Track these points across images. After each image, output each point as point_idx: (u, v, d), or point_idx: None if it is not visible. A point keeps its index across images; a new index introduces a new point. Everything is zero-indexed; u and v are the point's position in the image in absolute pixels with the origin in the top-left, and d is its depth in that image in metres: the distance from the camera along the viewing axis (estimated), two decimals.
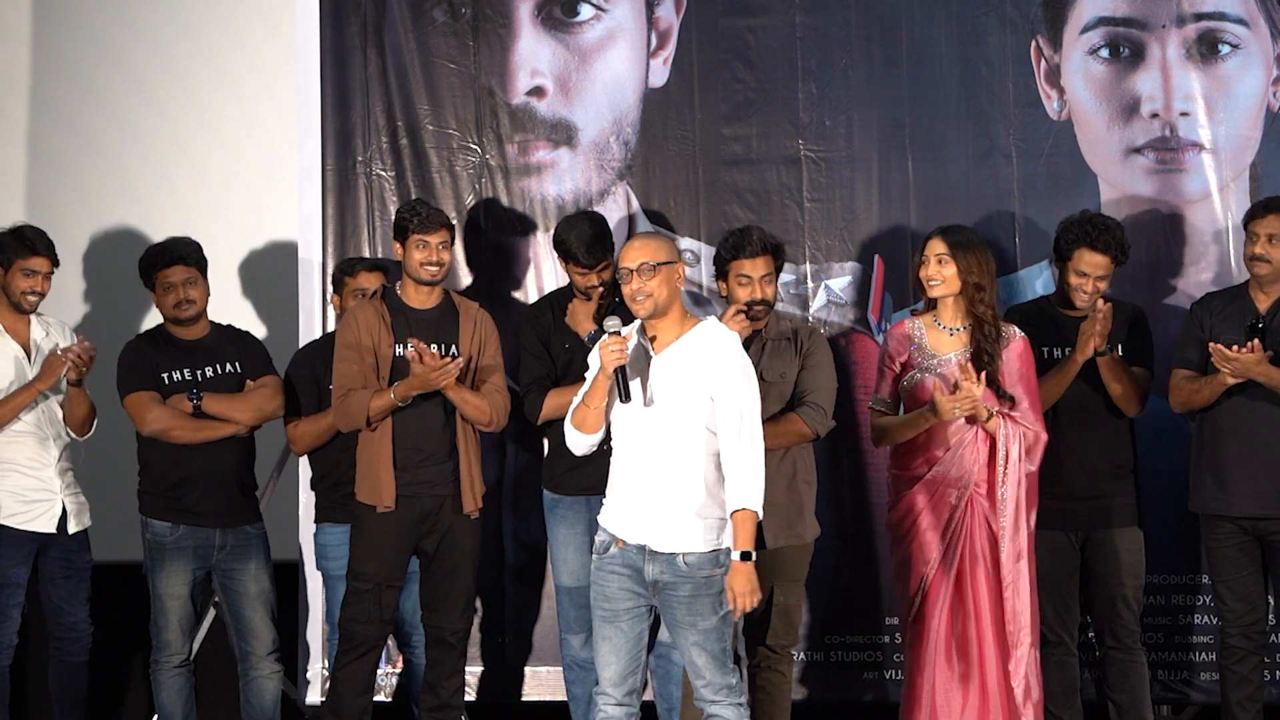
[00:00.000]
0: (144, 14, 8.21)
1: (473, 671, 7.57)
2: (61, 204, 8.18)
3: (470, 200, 7.72)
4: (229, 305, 7.67)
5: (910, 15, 7.53)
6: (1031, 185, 7.47)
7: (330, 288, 7.46)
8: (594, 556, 6.06)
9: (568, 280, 7.10)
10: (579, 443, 6.09)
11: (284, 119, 7.89)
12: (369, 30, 7.74)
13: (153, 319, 7.44)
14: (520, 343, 7.05)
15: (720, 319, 6.29)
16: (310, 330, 7.65)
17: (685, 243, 7.62)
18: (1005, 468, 6.51)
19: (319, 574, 7.39)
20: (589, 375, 6.08)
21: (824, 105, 7.56)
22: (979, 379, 6.44)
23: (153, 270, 7.01)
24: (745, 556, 5.87)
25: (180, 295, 6.98)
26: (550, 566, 7.21)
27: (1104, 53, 7.47)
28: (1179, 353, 6.83)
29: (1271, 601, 6.93)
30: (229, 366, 7.01)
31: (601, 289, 6.95)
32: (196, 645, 7.30)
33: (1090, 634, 7.02)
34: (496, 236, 7.72)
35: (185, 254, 6.99)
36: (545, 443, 7.10)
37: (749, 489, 5.90)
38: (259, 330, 7.82)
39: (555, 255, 7.17)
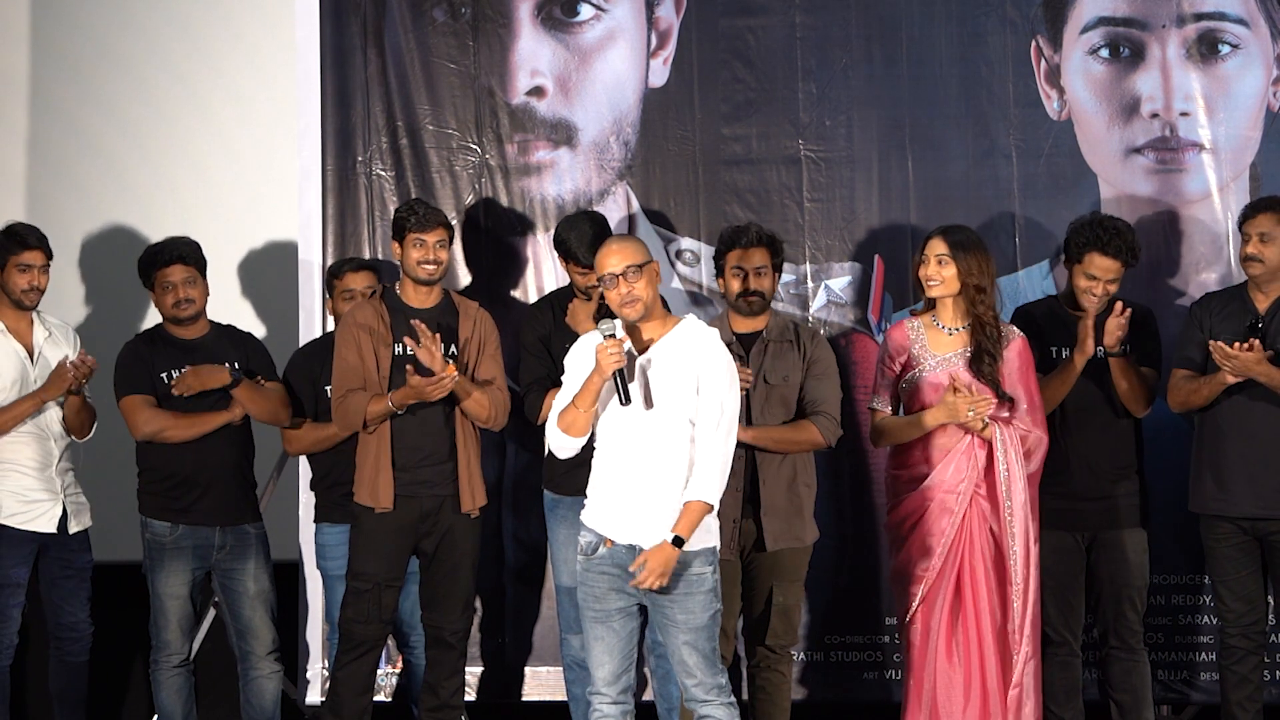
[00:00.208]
0: (144, 14, 8.20)
1: (473, 671, 7.57)
2: (61, 204, 8.17)
3: (470, 200, 7.72)
4: (229, 305, 7.68)
5: (910, 15, 7.53)
6: (1031, 185, 7.47)
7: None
8: (580, 558, 6.06)
9: (568, 280, 7.10)
10: (565, 446, 6.09)
11: (284, 119, 7.89)
12: (369, 30, 7.74)
13: (152, 319, 7.43)
14: (520, 343, 7.05)
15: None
16: (310, 330, 7.65)
17: (685, 243, 7.62)
18: (1007, 480, 6.50)
19: (319, 574, 7.38)
20: (568, 378, 6.08)
21: (824, 105, 7.56)
22: (979, 386, 6.45)
23: (151, 270, 7.01)
24: (678, 541, 5.87)
25: (179, 295, 6.98)
26: (550, 566, 7.21)
27: (1104, 53, 7.47)
28: (1178, 352, 6.83)
29: (1271, 601, 6.93)
30: (228, 366, 7.01)
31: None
32: (196, 645, 7.30)
33: (1094, 634, 7.02)
34: (496, 236, 7.72)
35: (184, 253, 6.99)
36: (545, 443, 7.10)
37: (712, 482, 5.92)
38: (259, 330, 7.82)
39: (555, 255, 7.18)
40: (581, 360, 6.07)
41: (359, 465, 6.74)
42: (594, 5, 7.69)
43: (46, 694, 7.17)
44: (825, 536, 7.00)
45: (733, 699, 6.03)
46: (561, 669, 7.16)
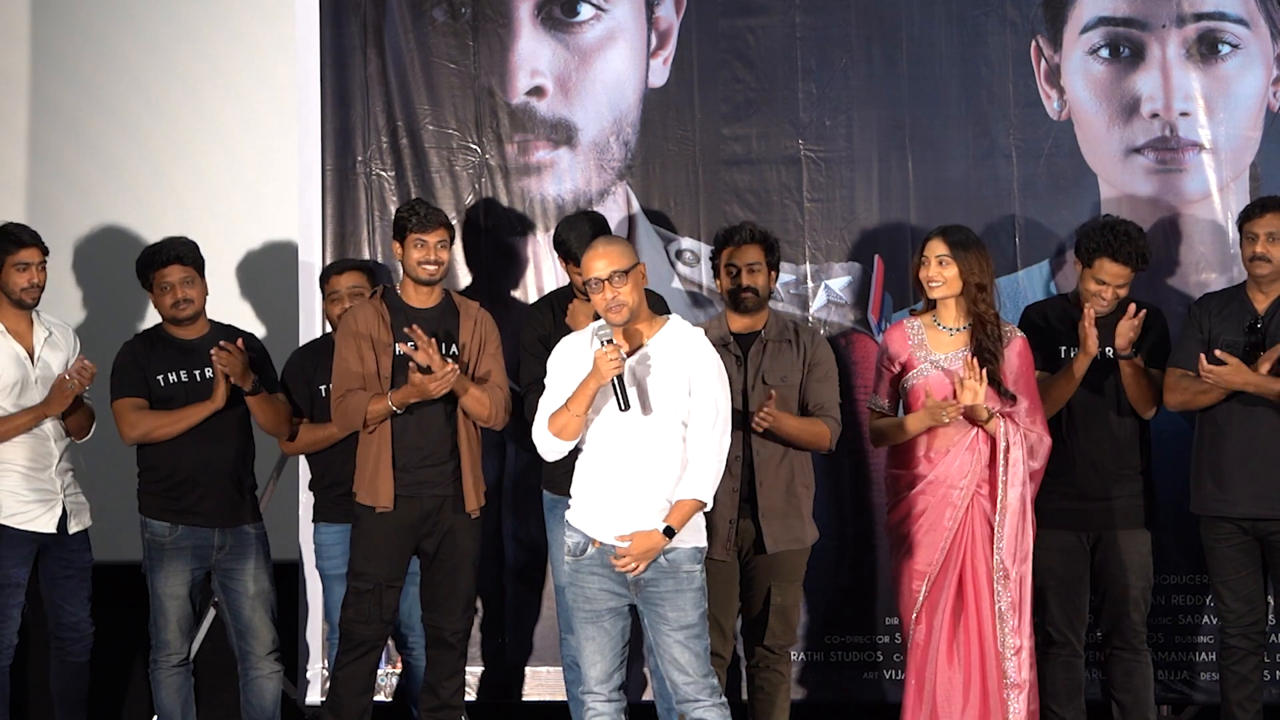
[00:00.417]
0: (143, 13, 8.20)
1: (473, 672, 7.57)
2: (61, 204, 8.17)
3: (470, 200, 7.72)
4: (229, 305, 7.67)
5: (910, 15, 7.53)
6: (1031, 185, 7.47)
7: None
8: (569, 558, 6.06)
9: (568, 280, 7.10)
10: (554, 449, 6.10)
11: (284, 119, 7.89)
12: (369, 30, 7.74)
13: (152, 319, 7.43)
14: (520, 343, 7.05)
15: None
16: (310, 330, 7.65)
17: (685, 243, 7.62)
18: (1006, 469, 6.51)
19: (318, 574, 7.38)
20: (553, 381, 6.07)
21: (824, 105, 7.56)
22: (981, 375, 6.45)
23: (149, 270, 7.01)
24: (669, 532, 5.90)
25: (177, 295, 6.98)
26: (550, 566, 7.21)
27: (1104, 53, 7.47)
28: (1176, 352, 6.81)
29: (1271, 602, 6.93)
30: (255, 376, 7.00)
31: None
32: (196, 645, 7.30)
33: (1097, 634, 7.02)
34: (496, 236, 7.72)
35: (182, 253, 6.98)
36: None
37: (706, 480, 5.95)
38: (259, 330, 7.81)
39: (555, 255, 7.17)
40: (566, 363, 6.07)
41: (359, 465, 6.74)
42: (594, 5, 7.69)
43: (47, 694, 7.17)
44: (825, 536, 7.00)
45: (724, 699, 6.04)
46: (561, 669, 7.16)
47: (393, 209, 7.60)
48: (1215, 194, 7.40)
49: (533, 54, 7.70)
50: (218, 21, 8.13)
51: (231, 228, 7.99)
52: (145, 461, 7.02)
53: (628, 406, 5.93)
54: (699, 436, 5.95)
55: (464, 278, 7.70)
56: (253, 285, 8.06)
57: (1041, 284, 7.43)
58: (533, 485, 7.27)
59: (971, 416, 6.52)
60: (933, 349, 6.64)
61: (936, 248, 6.61)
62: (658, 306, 6.79)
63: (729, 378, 6.38)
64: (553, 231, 7.26)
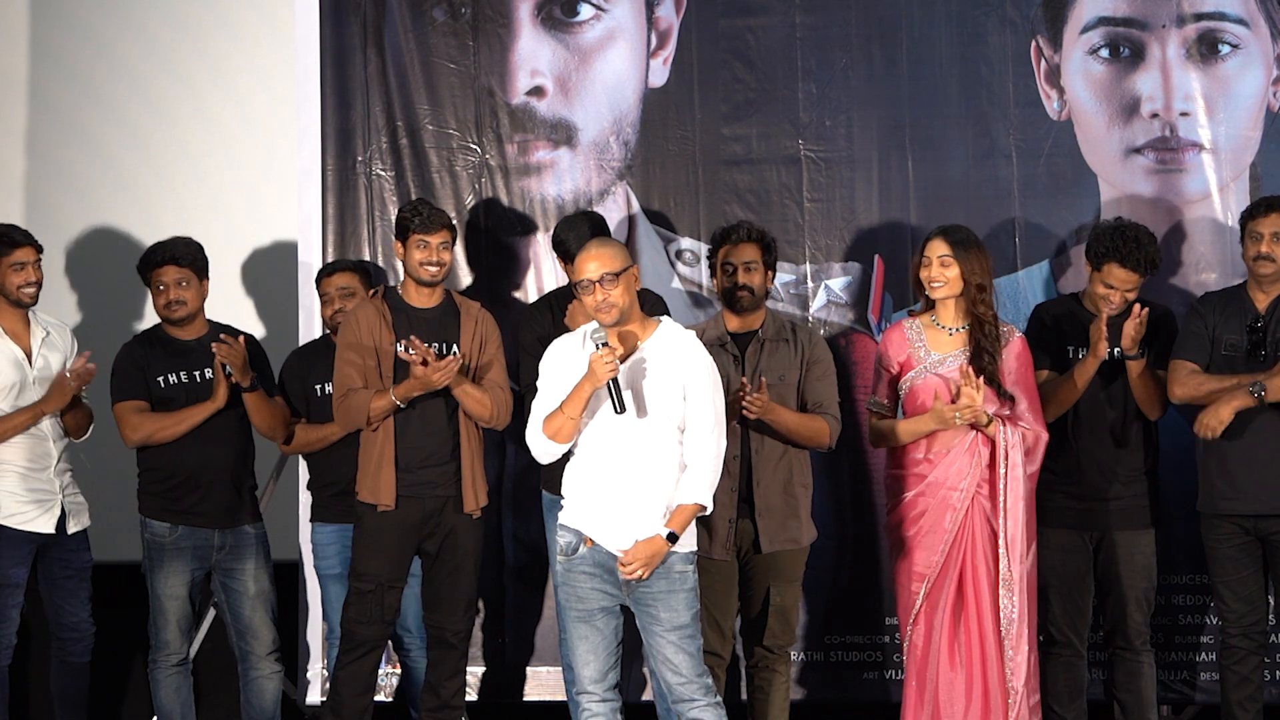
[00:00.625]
0: (143, 13, 8.20)
1: (474, 672, 7.57)
2: (60, 204, 8.17)
3: (470, 200, 7.72)
4: (229, 305, 7.66)
5: (910, 15, 7.53)
6: (1031, 185, 7.47)
7: None
8: (561, 558, 6.07)
9: (567, 280, 7.10)
10: (548, 452, 6.10)
11: (284, 119, 7.88)
12: (369, 30, 7.74)
13: (150, 319, 7.42)
14: (519, 343, 7.05)
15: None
16: (310, 331, 7.65)
17: (685, 243, 7.63)
18: (1007, 474, 6.51)
19: (316, 573, 7.38)
20: (546, 383, 6.08)
21: (824, 105, 7.56)
22: (978, 383, 6.45)
23: (147, 270, 7.02)
24: (671, 538, 5.92)
25: (170, 296, 6.98)
26: (551, 566, 7.21)
27: (1104, 53, 7.47)
28: (1180, 346, 6.77)
29: (1272, 602, 6.93)
30: (226, 368, 7.00)
31: None
32: (196, 645, 7.29)
33: (1100, 634, 7.02)
34: (496, 236, 7.72)
35: (178, 254, 6.97)
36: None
37: (705, 483, 5.96)
38: (259, 330, 7.81)
39: (555, 255, 7.17)
40: (559, 365, 6.08)
41: (361, 463, 6.74)
42: (594, 5, 7.69)
43: (47, 694, 7.16)
44: (825, 536, 7.00)
45: (719, 699, 6.05)
46: (561, 669, 7.16)
47: (393, 209, 7.60)
48: (1215, 194, 7.40)
49: (533, 54, 7.69)
50: (218, 21, 8.13)
51: (231, 228, 7.99)
52: (146, 462, 7.02)
53: (623, 409, 5.93)
54: (696, 440, 5.96)
55: (464, 278, 7.70)
56: (253, 285, 8.06)
57: (1041, 284, 7.44)
58: (533, 485, 7.28)
59: (972, 421, 6.52)
60: (932, 349, 6.64)
61: (938, 248, 6.61)
62: (657, 307, 6.81)
63: (727, 377, 6.39)
64: (552, 232, 7.26)
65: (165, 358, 7.00)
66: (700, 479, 5.95)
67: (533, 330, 7.03)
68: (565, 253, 6.99)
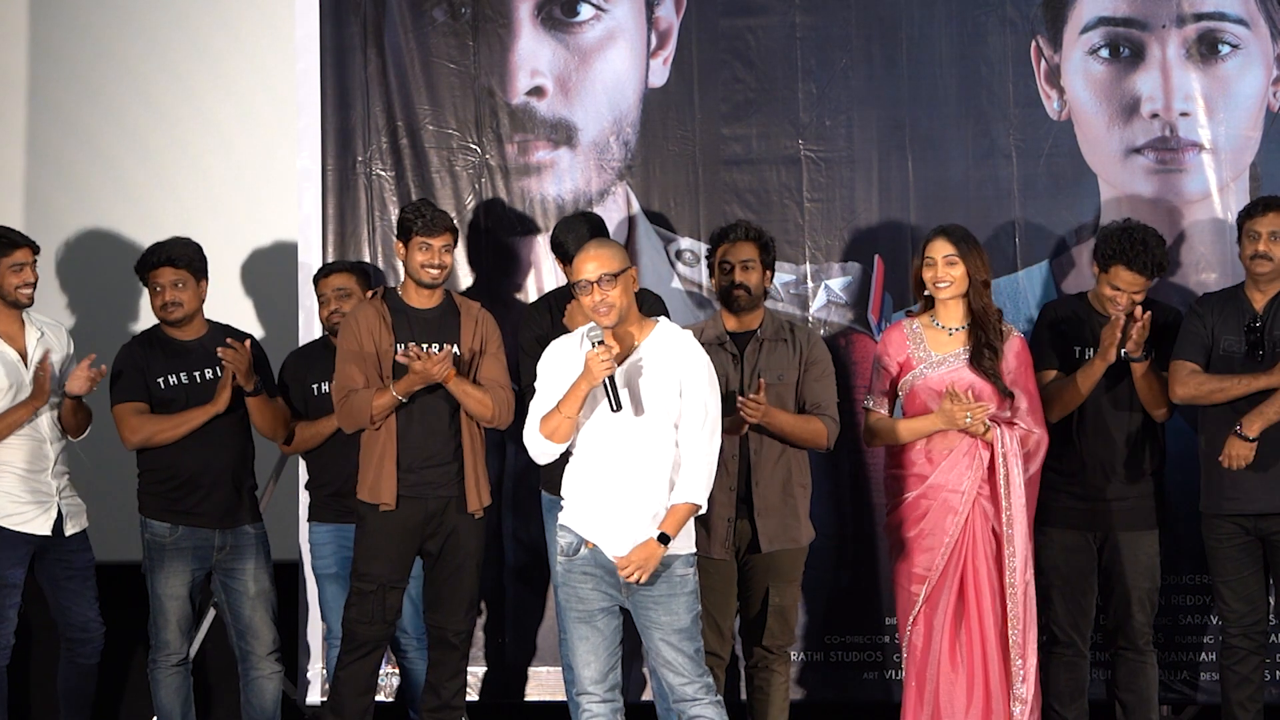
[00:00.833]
0: (142, 13, 8.19)
1: (474, 672, 7.57)
2: (60, 204, 8.17)
3: (470, 201, 7.72)
4: (229, 306, 7.66)
5: (910, 15, 7.53)
6: (1031, 185, 7.47)
7: None
8: (561, 558, 6.07)
9: (567, 281, 7.10)
10: (546, 451, 6.10)
11: (284, 119, 7.88)
12: (369, 30, 7.74)
13: (149, 319, 7.42)
14: (519, 343, 7.05)
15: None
16: (310, 331, 7.65)
17: (685, 242, 7.63)
18: (1008, 481, 6.51)
19: (313, 573, 7.38)
20: (544, 384, 6.08)
21: (824, 105, 7.57)
22: (970, 397, 6.46)
23: (144, 271, 7.02)
24: (663, 539, 5.91)
25: (165, 297, 6.98)
26: (551, 567, 7.20)
27: (1104, 53, 7.47)
28: (1180, 347, 6.77)
29: (1272, 602, 6.93)
30: (258, 377, 6.99)
31: None
32: (196, 645, 7.29)
33: (1099, 634, 7.02)
34: (497, 237, 7.72)
35: (175, 256, 6.97)
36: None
37: (699, 483, 5.96)
38: (258, 331, 7.81)
39: (554, 256, 7.18)
40: (556, 365, 6.08)
41: (362, 463, 6.73)
42: (594, 5, 7.69)
43: (49, 694, 7.16)
44: (824, 536, 7.00)
45: (719, 697, 6.05)
46: (561, 669, 7.16)
47: (393, 209, 7.60)
48: (1215, 194, 7.40)
49: (533, 54, 7.69)
50: (218, 21, 8.12)
51: (231, 228, 7.98)
52: (146, 463, 7.02)
53: (620, 408, 5.94)
54: (689, 439, 5.96)
55: (465, 278, 7.70)
56: (253, 285, 8.05)
57: (1041, 284, 7.44)
58: (533, 485, 7.28)
59: (968, 430, 6.53)
60: (932, 349, 6.64)
61: (942, 247, 6.60)
62: (656, 307, 6.81)
63: (726, 377, 6.39)
64: (550, 232, 7.27)
65: (165, 359, 7.00)
66: (695, 479, 5.96)
67: (532, 330, 7.03)
68: (564, 254, 6.99)
